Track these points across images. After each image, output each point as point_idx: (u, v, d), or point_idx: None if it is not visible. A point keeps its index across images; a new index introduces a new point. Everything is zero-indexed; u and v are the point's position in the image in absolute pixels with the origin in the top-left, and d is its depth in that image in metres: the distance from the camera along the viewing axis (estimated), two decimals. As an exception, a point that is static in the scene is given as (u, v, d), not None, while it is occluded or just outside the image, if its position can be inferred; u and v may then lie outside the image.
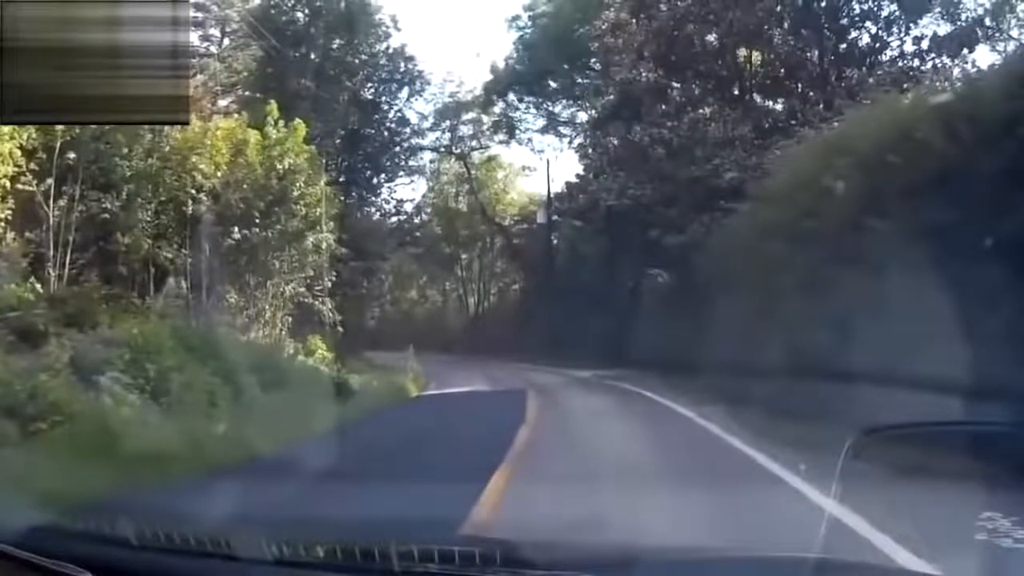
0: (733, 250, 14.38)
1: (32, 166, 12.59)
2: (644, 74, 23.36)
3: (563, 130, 40.00)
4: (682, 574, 2.65)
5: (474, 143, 43.13)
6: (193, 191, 16.02)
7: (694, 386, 14.95)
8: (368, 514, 5.69)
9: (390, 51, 33.80)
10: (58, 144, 12.89)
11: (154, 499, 6.26)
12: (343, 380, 17.84)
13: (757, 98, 24.03)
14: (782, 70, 22.96)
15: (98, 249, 14.11)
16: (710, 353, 14.19)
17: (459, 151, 43.04)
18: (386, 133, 34.84)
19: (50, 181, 12.84)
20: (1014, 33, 21.11)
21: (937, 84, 15.11)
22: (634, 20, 23.53)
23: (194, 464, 7.84)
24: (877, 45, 21.54)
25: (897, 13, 21.20)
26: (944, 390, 6.40)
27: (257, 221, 17.61)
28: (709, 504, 6.31)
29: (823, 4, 21.53)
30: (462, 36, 78.79)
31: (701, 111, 22.71)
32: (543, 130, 40.77)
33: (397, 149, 35.88)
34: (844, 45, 21.68)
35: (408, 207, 40.99)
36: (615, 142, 25.70)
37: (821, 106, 19.61)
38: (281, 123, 18.54)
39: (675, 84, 23.95)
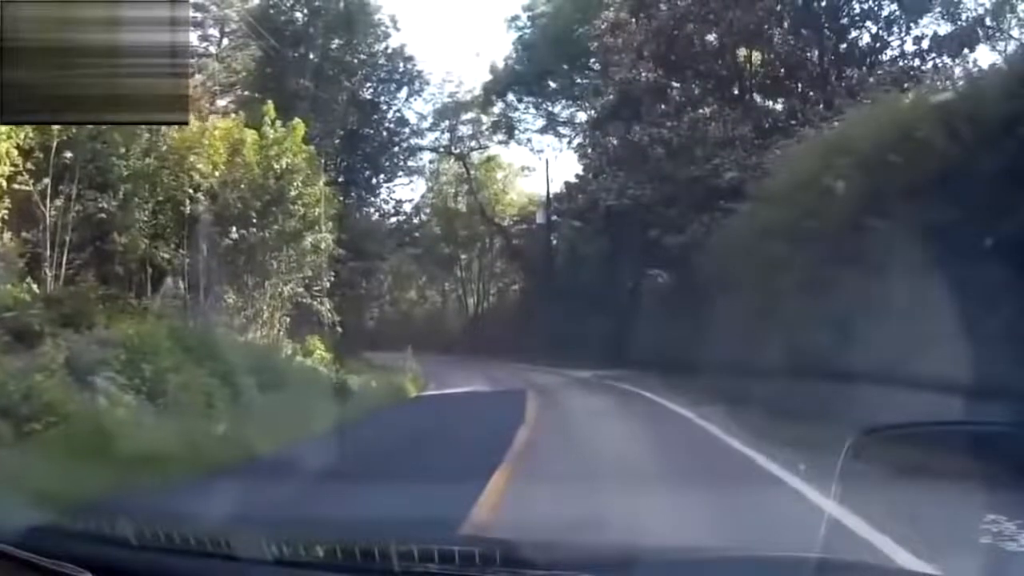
0: (733, 250, 14.37)
1: (28, 165, 12.51)
2: (644, 74, 23.32)
3: (562, 130, 40.03)
4: (682, 574, 2.65)
5: (473, 143, 43.08)
6: (191, 191, 15.95)
7: (694, 386, 14.95)
8: (368, 514, 5.68)
9: (389, 51, 33.77)
10: (55, 143, 12.83)
11: (153, 499, 6.25)
12: (342, 380, 17.85)
13: (757, 98, 24.00)
14: (782, 70, 22.93)
15: (95, 249, 14.03)
16: (710, 353, 14.18)
17: (458, 151, 42.99)
18: (385, 133, 34.78)
19: (47, 180, 12.79)
20: (1015, 33, 21.15)
21: (938, 84, 15.12)
22: (634, 20, 23.48)
23: (190, 465, 7.80)
24: (877, 45, 21.52)
25: (897, 13, 21.18)
26: (944, 390, 6.39)
27: (255, 221, 17.55)
28: (707, 505, 6.30)
29: (823, 4, 21.50)
30: (461, 36, 78.91)
31: (701, 111, 22.65)
32: (542, 130, 40.79)
33: (396, 149, 35.80)
34: (844, 45, 21.65)
35: (407, 207, 40.94)
36: (614, 142, 25.67)
37: (821, 106, 19.57)
38: (278, 123, 18.51)
39: (675, 84, 23.91)
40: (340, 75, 30.98)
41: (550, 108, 40.19)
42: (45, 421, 7.95)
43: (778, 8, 21.56)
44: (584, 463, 9.16)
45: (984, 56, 19.85)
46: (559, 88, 38.70)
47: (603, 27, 24.94)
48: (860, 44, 21.73)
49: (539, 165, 57.24)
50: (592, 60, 31.80)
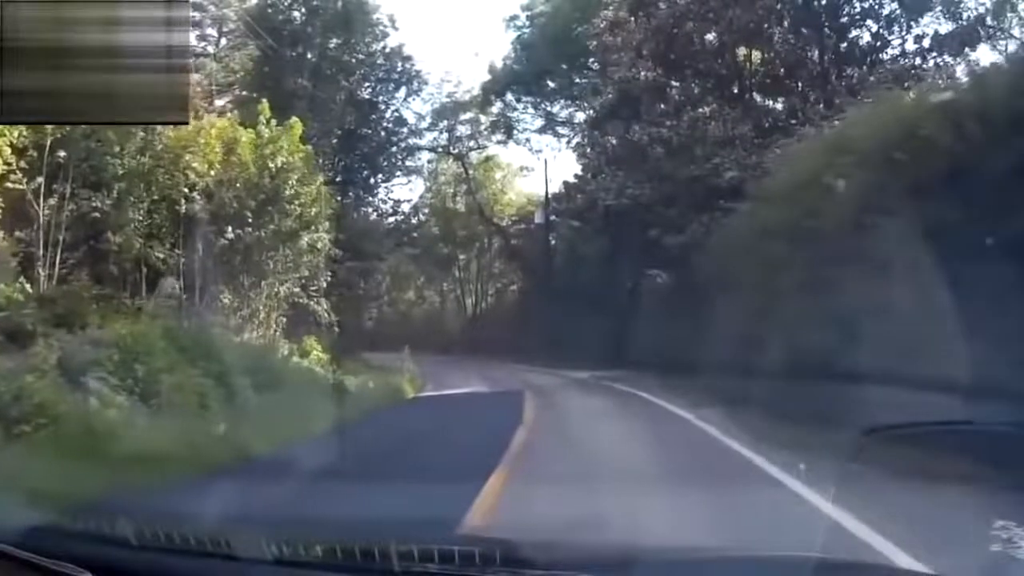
0: (733, 250, 14.34)
1: (22, 164, 12.44)
2: (643, 73, 23.30)
3: (561, 130, 39.98)
4: (681, 574, 2.66)
5: (472, 143, 43.03)
6: (186, 190, 15.85)
7: (693, 387, 14.94)
8: (368, 514, 5.67)
9: (387, 50, 33.72)
10: (48, 142, 12.71)
11: (152, 499, 6.23)
12: (339, 381, 17.80)
13: (757, 97, 23.98)
14: (782, 69, 22.89)
15: (89, 248, 13.91)
16: (709, 354, 14.15)
17: (457, 151, 42.94)
18: (383, 133, 34.75)
19: (40, 179, 12.68)
20: (1015, 32, 21.19)
21: (939, 82, 15.11)
22: (633, 18, 23.45)
23: (184, 465, 7.76)
24: (878, 43, 21.52)
25: (898, 11, 21.22)
26: (946, 390, 6.39)
27: (250, 220, 17.45)
28: (706, 506, 6.29)
29: (823, 2, 21.50)
30: (460, 36, 78.57)
31: (700, 110, 22.58)
32: (541, 130, 40.75)
33: (394, 149, 35.76)
34: (845, 43, 21.65)
35: (405, 207, 40.84)
36: (613, 141, 25.66)
37: (822, 105, 19.56)
38: (273, 122, 18.44)
39: (674, 83, 23.86)
40: (338, 74, 30.93)
41: (549, 108, 40.18)
42: (35, 423, 7.86)
43: (778, 6, 21.56)
44: (582, 464, 9.13)
45: (985, 55, 19.94)
46: (558, 88, 38.66)
47: (602, 26, 24.92)
48: (860, 43, 21.73)
49: (538, 165, 57.59)
50: (591, 59, 31.75)
